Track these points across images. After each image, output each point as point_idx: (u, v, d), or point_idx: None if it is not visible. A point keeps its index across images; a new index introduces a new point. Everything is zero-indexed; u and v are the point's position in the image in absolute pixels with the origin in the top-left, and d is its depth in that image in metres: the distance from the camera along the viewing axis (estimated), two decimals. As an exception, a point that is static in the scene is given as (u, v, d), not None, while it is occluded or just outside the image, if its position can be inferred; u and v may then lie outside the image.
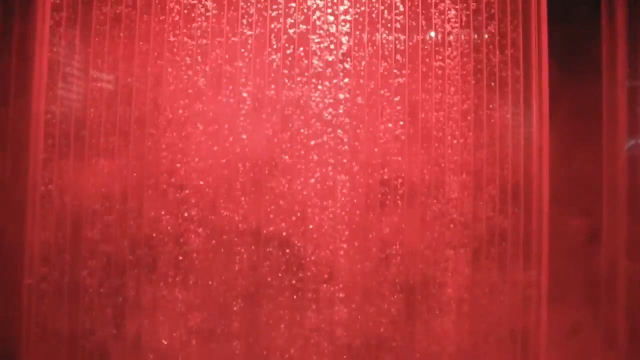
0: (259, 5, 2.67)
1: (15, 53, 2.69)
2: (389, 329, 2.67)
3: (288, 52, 2.67)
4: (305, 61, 2.67)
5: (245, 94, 2.68)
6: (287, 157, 2.67)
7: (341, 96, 2.67)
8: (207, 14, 2.68)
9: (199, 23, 2.69)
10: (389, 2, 2.68)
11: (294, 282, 2.66)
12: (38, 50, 2.70)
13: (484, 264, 2.69)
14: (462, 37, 2.70)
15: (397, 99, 2.67)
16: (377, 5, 2.68)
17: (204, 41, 2.69)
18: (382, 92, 2.68)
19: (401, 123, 2.68)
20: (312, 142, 2.67)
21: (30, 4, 2.70)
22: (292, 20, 2.67)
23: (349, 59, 2.67)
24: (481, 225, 2.69)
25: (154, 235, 2.67)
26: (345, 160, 2.67)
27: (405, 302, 2.67)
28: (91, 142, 2.70)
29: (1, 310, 2.66)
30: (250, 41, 2.68)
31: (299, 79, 2.68)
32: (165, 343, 2.67)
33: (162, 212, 2.67)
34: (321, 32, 2.68)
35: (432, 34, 2.70)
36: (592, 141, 2.75)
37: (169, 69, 2.69)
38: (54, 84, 2.72)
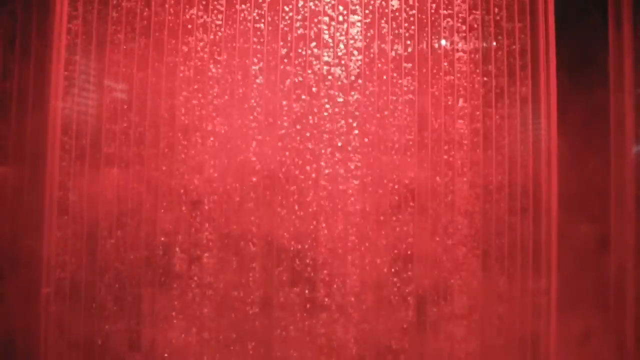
0: (271, 21, 2.71)
1: (33, 64, 2.72)
2: (401, 339, 2.67)
3: (298, 68, 2.71)
4: (316, 76, 2.70)
5: (257, 107, 2.71)
6: (298, 170, 2.69)
7: (351, 108, 2.70)
8: (220, 28, 2.72)
9: (212, 37, 2.72)
10: (397, 13, 2.72)
11: (306, 292, 2.68)
12: (55, 61, 2.72)
13: (494, 272, 2.70)
14: (471, 45, 2.73)
15: (406, 109, 2.70)
16: (385, 17, 2.71)
17: (213, 55, 2.73)
18: (391, 102, 2.70)
19: (411, 134, 2.70)
20: (323, 154, 2.69)
21: (48, 14, 2.73)
22: (301, 32, 2.71)
23: (358, 71, 2.70)
24: (491, 233, 2.70)
25: (168, 244, 2.69)
26: (356, 172, 2.69)
27: (416, 311, 2.68)
28: (107, 152, 2.73)
29: (20, 319, 2.67)
30: (262, 56, 2.71)
31: (312, 90, 2.71)
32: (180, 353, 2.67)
33: (176, 222, 2.69)
34: (330, 45, 2.71)
35: (443, 41, 2.74)
36: (600, 148, 2.77)
37: (183, 81, 2.72)
38: (70, 94, 2.75)
